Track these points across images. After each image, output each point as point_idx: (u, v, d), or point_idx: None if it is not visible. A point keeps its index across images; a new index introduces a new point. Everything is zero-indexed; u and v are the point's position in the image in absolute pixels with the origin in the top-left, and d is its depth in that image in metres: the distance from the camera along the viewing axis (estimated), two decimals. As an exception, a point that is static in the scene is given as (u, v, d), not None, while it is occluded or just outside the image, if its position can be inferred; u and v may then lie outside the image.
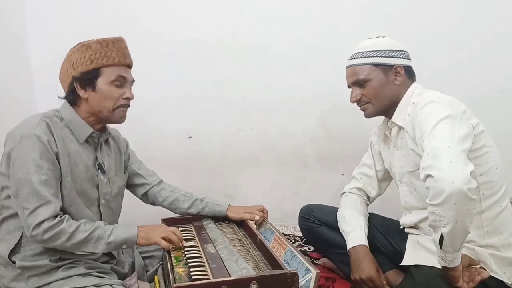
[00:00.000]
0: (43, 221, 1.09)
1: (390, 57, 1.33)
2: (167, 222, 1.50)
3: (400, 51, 1.35)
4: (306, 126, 2.25)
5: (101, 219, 1.30)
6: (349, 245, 1.40)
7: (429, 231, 1.18)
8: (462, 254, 1.12)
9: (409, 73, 1.36)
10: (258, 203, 1.63)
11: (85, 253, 1.20)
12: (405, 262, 1.32)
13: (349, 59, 1.40)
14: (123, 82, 1.25)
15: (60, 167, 1.17)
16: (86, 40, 1.23)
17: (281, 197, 2.30)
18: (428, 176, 1.02)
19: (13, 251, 1.18)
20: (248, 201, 1.66)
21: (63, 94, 1.27)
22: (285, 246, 1.27)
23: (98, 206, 1.30)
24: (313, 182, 2.30)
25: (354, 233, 1.41)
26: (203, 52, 2.17)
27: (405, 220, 1.40)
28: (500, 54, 2.08)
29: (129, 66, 1.30)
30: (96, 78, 1.21)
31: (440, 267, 1.15)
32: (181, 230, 1.41)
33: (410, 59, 1.37)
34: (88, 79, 1.21)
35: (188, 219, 1.56)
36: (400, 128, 1.34)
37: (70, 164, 1.20)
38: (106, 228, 1.19)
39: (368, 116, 1.40)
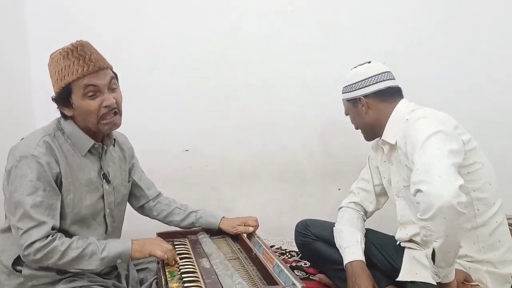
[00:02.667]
0: (35, 241, 1.09)
1: (352, 91, 1.43)
2: (162, 235, 1.49)
3: (364, 80, 1.40)
4: (304, 141, 2.26)
5: (106, 230, 1.30)
6: (345, 260, 1.39)
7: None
8: (457, 269, 1.12)
9: (384, 95, 1.39)
10: (255, 216, 1.62)
11: (79, 270, 1.18)
12: (401, 277, 1.31)
13: None
14: (95, 90, 1.15)
15: (61, 186, 1.17)
16: (54, 52, 1.18)
17: (279, 211, 2.29)
18: (418, 190, 1.03)
19: (17, 260, 1.17)
20: (245, 215, 1.65)
21: None
22: (272, 261, 1.26)
23: (104, 216, 1.30)
24: (311, 197, 2.29)
25: (351, 248, 1.41)
26: (202, 65, 2.20)
27: (400, 234, 1.40)
28: (498, 69, 2.10)
29: (99, 69, 1.16)
30: (70, 95, 1.16)
31: (435, 283, 1.14)
32: (176, 245, 1.41)
33: (382, 81, 1.39)
34: (63, 97, 1.17)
35: (183, 233, 1.55)
36: (392, 145, 1.36)
37: (74, 181, 1.20)
38: (99, 244, 1.18)
39: (366, 140, 1.53)
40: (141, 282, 1.43)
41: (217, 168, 2.29)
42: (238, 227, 1.52)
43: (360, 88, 1.41)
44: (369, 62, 1.45)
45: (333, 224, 1.57)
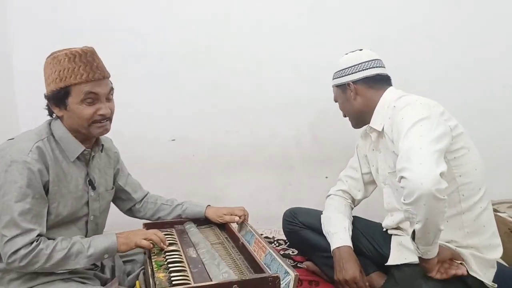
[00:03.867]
0: (19, 249, 1.08)
1: (342, 76, 1.44)
2: (148, 226, 1.48)
3: (354, 65, 1.41)
4: (293, 129, 2.25)
5: (86, 235, 1.29)
6: (333, 246, 1.40)
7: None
8: (444, 248, 1.17)
9: (372, 82, 1.39)
10: (244, 206, 1.61)
11: (67, 271, 1.16)
12: (390, 262, 1.32)
13: None
14: (95, 97, 1.17)
15: (48, 194, 1.15)
16: (57, 51, 1.17)
17: (267, 199, 2.29)
18: (402, 177, 1.06)
19: None
20: (235, 203, 1.65)
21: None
22: (265, 249, 1.26)
23: (86, 222, 1.29)
24: (299, 185, 2.30)
25: (339, 234, 1.42)
26: (191, 53, 2.17)
27: (387, 222, 1.42)
28: (488, 54, 2.10)
29: (102, 78, 1.19)
30: (67, 97, 1.15)
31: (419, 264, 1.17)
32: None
33: (370, 68, 1.40)
34: (59, 98, 1.15)
35: (170, 223, 1.54)
36: (379, 132, 1.37)
37: (60, 189, 1.18)
38: (83, 242, 1.17)
39: (354, 127, 1.52)
40: (128, 274, 1.43)
41: (205, 157, 2.27)
42: (224, 216, 1.52)
43: (350, 74, 1.42)
44: (361, 50, 1.44)
45: (320, 212, 1.58)
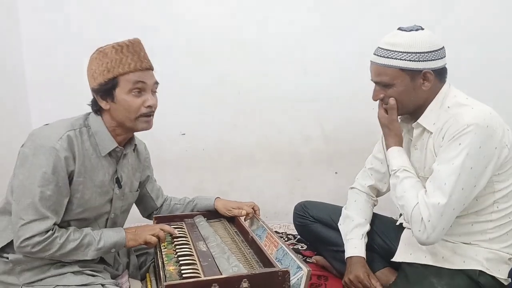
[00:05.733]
0: (34, 236, 1.08)
1: (419, 61, 1.17)
2: (159, 220, 1.49)
3: (432, 52, 1.18)
4: (301, 124, 2.24)
5: None
6: (347, 253, 1.39)
7: None
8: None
9: (440, 75, 1.22)
10: (252, 201, 1.61)
11: (73, 261, 1.18)
12: (396, 258, 1.32)
13: (375, 54, 1.24)
14: (142, 87, 1.18)
15: (71, 184, 1.15)
16: (103, 46, 1.18)
17: (275, 194, 2.29)
18: (420, 214, 1.14)
19: (4, 248, 1.16)
20: (242, 198, 1.65)
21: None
22: (277, 244, 1.26)
23: (107, 220, 1.29)
24: (307, 180, 2.29)
25: (354, 241, 1.40)
26: (199, 48, 2.16)
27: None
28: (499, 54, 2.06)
29: (149, 68, 1.21)
30: (114, 88, 1.16)
31: (433, 265, 1.18)
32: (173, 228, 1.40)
33: (443, 57, 1.21)
34: (106, 90, 1.16)
35: (180, 217, 1.54)
36: (425, 130, 1.24)
37: (85, 181, 1.18)
38: (94, 234, 1.18)
39: (396, 116, 1.31)
40: (140, 266, 1.44)
41: (213, 152, 2.27)
42: (233, 210, 1.52)
43: (430, 60, 1.17)
44: (423, 29, 1.21)
45: (331, 206, 1.57)
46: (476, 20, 2.03)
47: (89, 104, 1.23)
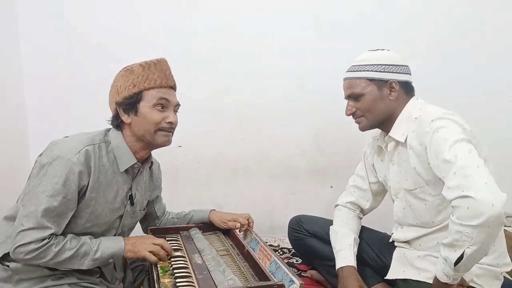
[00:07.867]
0: (30, 243, 1.08)
1: (385, 72, 1.30)
2: (154, 232, 1.48)
3: (398, 65, 1.31)
4: (297, 138, 2.26)
5: None
6: (337, 265, 1.39)
7: (432, 247, 1.24)
8: None
9: (406, 88, 1.32)
10: (247, 213, 1.62)
11: (69, 270, 1.17)
12: (390, 276, 1.32)
13: (347, 71, 1.38)
14: (166, 104, 1.21)
15: (82, 198, 1.15)
16: (130, 64, 1.22)
17: (271, 208, 2.30)
18: (464, 196, 0.98)
19: (6, 256, 1.15)
20: (238, 211, 1.64)
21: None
22: (270, 257, 1.26)
23: (115, 235, 1.29)
24: (303, 194, 2.30)
25: (343, 252, 1.40)
26: (196, 61, 2.19)
27: (398, 235, 1.38)
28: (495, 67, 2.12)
29: (172, 87, 1.26)
30: (138, 102, 1.19)
31: (427, 282, 1.16)
32: (168, 240, 1.40)
33: (409, 74, 1.33)
34: (130, 103, 1.19)
35: (176, 229, 1.54)
36: (398, 143, 1.31)
37: (98, 196, 1.18)
38: (92, 244, 1.17)
39: (362, 129, 1.39)
40: (135, 280, 1.43)
41: (209, 164, 2.28)
42: (228, 222, 1.52)
43: (395, 72, 1.30)
44: (388, 50, 1.35)
45: (326, 221, 1.57)
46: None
47: (108, 121, 1.25)
